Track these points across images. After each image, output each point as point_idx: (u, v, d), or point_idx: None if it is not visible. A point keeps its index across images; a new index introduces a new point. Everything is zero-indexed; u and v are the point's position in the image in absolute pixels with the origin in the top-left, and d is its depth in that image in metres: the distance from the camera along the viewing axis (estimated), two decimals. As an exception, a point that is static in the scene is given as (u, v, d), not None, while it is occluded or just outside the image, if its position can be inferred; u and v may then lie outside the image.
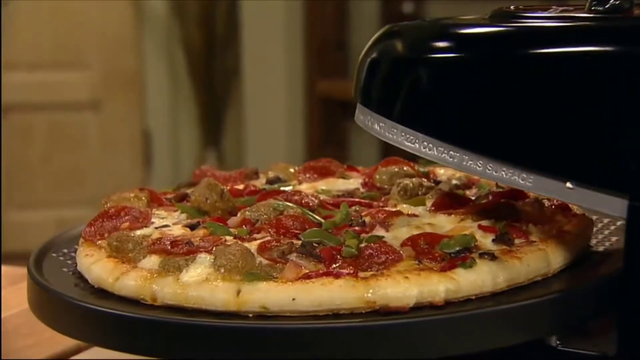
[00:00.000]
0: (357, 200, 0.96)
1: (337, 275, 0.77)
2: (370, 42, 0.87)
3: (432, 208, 0.91)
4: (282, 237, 0.84)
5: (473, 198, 0.94)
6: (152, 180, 3.89)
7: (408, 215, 0.89)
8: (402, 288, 0.76)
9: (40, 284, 0.85)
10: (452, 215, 0.88)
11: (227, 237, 0.84)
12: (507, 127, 0.79)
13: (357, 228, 0.86)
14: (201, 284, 0.78)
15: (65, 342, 1.03)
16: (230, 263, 0.78)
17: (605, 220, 0.95)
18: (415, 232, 0.84)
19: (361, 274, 0.77)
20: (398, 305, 0.75)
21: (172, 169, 3.93)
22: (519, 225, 0.86)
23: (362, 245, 0.81)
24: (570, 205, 0.90)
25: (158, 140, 3.94)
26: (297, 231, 0.85)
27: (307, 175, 1.05)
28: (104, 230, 0.89)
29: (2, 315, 1.11)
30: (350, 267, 0.78)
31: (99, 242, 0.87)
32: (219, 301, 0.76)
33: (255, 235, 0.84)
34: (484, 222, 0.86)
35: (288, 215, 0.87)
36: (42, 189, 3.85)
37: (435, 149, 0.82)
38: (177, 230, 0.87)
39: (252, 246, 0.81)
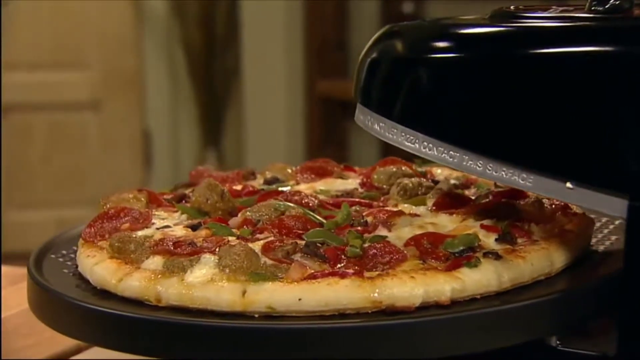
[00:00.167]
0: (357, 200, 0.96)
1: (343, 275, 0.77)
2: (370, 42, 0.87)
3: (433, 208, 0.91)
4: (284, 237, 0.84)
5: (473, 198, 0.95)
6: (152, 180, 3.89)
7: (410, 215, 0.89)
8: (408, 288, 0.76)
9: (40, 284, 0.84)
10: (454, 215, 0.88)
11: (230, 238, 0.84)
12: (507, 127, 0.79)
13: (359, 228, 0.86)
14: (206, 285, 0.77)
15: (65, 342, 1.03)
16: (235, 263, 0.78)
17: (604, 219, 0.96)
18: (418, 231, 0.84)
19: (367, 274, 0.77)
20: (404, 305, 0.75)
21: (172, 169, 3.93)
22: (520, 225, 0.86)
23: (366, 245, 0.81)
24: (569, 205, 0.90)
25: (158, 140, 3.95)
26: (300, 231, 0.85)
27: (305, 175, 1.05)
28: (104, 232, 0.89)
29: (2, 315, 1.11)
30: (356, 267, 0.78)
31: (100, 243, 0.87)
32: (225, 302, 0.76)
33: (258, 236, 0.84)
34: (486, 222, 0.86)
35: (290, 215, 0.87)
36: (42, 189, 3.85)
37: (435, 149, 0.82)
38: (179, 231, 0.87)
39: (256, 246, 0.81)
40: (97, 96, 3.86)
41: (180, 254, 0.81)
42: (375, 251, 0.80)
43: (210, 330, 0.74)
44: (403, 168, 1.02)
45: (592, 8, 0.81)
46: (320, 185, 1.02)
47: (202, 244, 0.82)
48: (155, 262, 0.81)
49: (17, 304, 1.12)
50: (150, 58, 3.92)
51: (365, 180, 1.02)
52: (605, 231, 0.94)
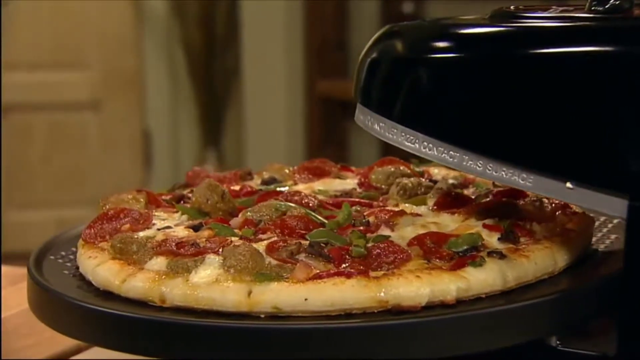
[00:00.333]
0: (357, 200, 0.96)
1: (349, 275, 0.77)
2: (370, 42, 0.87)
3: (435, 207, 0.91)
4: (287, 237, 0.84)
5: (473, 197, 0.95)
6: (152, 180, 3.89)
7: (411, 214, 0.89)
8: (414, 287, 0.76)
9: (40, 284, 0.84)
10: (456, 215, 0.88)
11: (233, 238, 0.84)
12: (507, 127, 0.79)
13: (361, 228, 0.86)
14: (212, 285, 0.77)
15: (65, 342, 1.03)
16: (240, 264, 0.78)
17: (602, 218, 0.96)
18: (421, 231, 0.84)
19: (372, 274, 0.77)
20: (410, 304, 0.76)
21: (172, 169, 3.93)
22: (522, 224, 0.86)
23: (369, 245, 0.81)
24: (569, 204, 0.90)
25: (158, 140, 3.95)
26: (302, 231, 0.85)
27: (303, 175, 1.05)
28: (105, 233, 0.89)
29: (2, 316, 1.11)
30: (361, 267, 0.78)
31: (101, 244, 0.87)
32: (230, 302, 0.76)
33: (260, 236, 0.84)
34: (488, 221, 0.86)
35: (292, 215, 0.87)
36: (42, 189, 3.85)
37: (435, 149, 0.82)
38: (181, 232, 0.87)
39: (259, 247, 0.81)
40: (97, 96, 3.86)
41: (184, 255, 0.81)
42: (379, 251, 0.80)
43: (217, 331, 0.74)
44: (401, 168, 1.02)
45: (592, 8, 0.81)
46: (319, 185, 1.02)
47: (206, 244, 0.82)
48: (158, 262, 0.81)
49: (17, 304, 1.12)
50: (150, 58, 3.92)
51: (363, 180, 1.02)
52: (604, 230, 0.94)
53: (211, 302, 0.77)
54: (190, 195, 0.98)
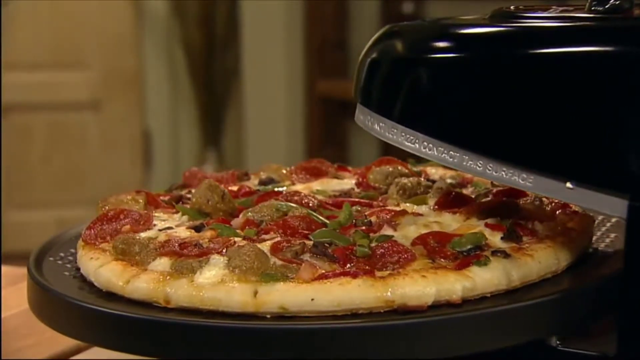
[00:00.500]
0: (357, 200, 0.96)
1: (355, 275, 0.77)
2: (370, 42, 0.87)
3: (436, 207, 0.91)
4: (290, 237, 0.84)
5: (473, 197, 0.95)
6: (152, 180, 3.89)
7: (413, 214, 0.89)
8: (420, 287, 0.76)
9: (40, 284, 0.84)
10: (457, 214, 0.88)
11: (236, 239, 0.84)
12: (507, 127, 0.79)
13: (363, 228, 0.86)
14: (217, 286, 0.77)
15: (65, 342, 1.03)
16: (245, 264, 0.78)
17: (600, 217, 0.96)
18: (423, 230, 0.84)
19: (378, 274, 0.77)
20: (416, 304, 0.76)
21: (172, 169, 3.93)
22: (524, 223, 0.86)
23: (373, 244, 0.81)
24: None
25: (158, 140, 3.95)
26: (304, 232, 0.85)
27: (300, 176, 1.05)
28: (105, 234, 0.89)
29: (2, 316, 1.11)
30: (366, 267, 0.78)
31: (102, 245, 0.87)
32: (236, 302, 0.76)
33: (263, 236, 0.84)
34: (490, 220, 0.86)
35: (294, 215, 0.87)
36: (42, 189, 3.85)
37: (435, 149, 0.82)
38: (183, 233, 0.87)
39: (263, 247, 0.81)
40: (97, 96, 3.86)
41: (188, 255, 0.80)
42: (383, 251, 0.80)
43: (225, 331, 0.74)
44: (399, 168, 1.02)
45: (592, 8, 0.81)
46: (317, 185, 1.02)
47: (209, 245, 0.82)
48: (162, 263, 0.81)
49: (17, 304, 1.12)
50: (150, 58, 3.92)
51: (361, 180, 1.02)
52: (603, 229, 0.95)
53: (217, 302, 0.77)
54: (188, 195, 0.98)
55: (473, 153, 0.80)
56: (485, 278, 0.78)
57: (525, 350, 0.78)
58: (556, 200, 0.90)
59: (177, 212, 0.94)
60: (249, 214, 0.89)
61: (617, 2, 0.80)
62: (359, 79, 0.87)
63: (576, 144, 0.77)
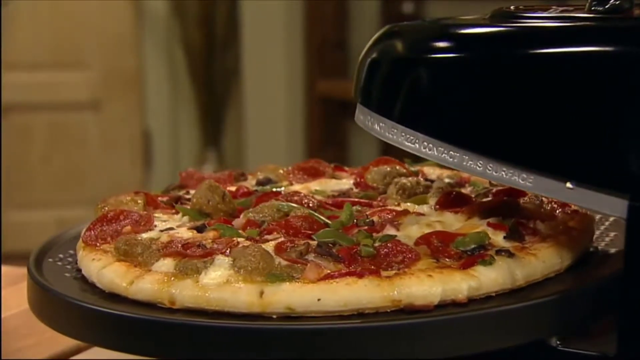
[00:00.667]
0: (356, 200, 0.96)
1: (361, 275, 0.77)
2: (370, 42, 0.87)
3: (437, 206, 0.91)
4: (294, 237, 0.83)
5: (473, 196, 0.95)
6: (151, 180, 3.89)
7: (415, 214, 0.89)
8: (426, 286, 0.76)
9: (40, 284, 0.84)
10: (459, 214, 0.89)
11: (240, 239, 0.84)
12: (507, 127, 0.79)
13: (366, 228, 0.86)
14: (223, 286, 0.77)
15: (65, 342, 1.03)
16: (250, 264, 0.78)
17: (598, 216, 0.96)
18: (426, 230, 0.85)
19: (384, 273, 0.78)
20: (423, 303, 0.76)
21: (172, 169, 3.93)
22: (526, 222, 0.86)
23: (377, 244, 0.81)
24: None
25: (158, 140, 3.95)
26: (307, 232, 0.85)
27: (298, 176, 1.05)
28: (106, 235, 0.88)
29: (2, 316, 1.11)
30: (372, 267, 0.78)
31: (103, 246, 0.87)
32: (242, 303, 0.76)
33: (266, 237, 0.84)
34: (492, 220, 0.86)
35: (296, 216, 0.87)
36: (42, 189, 3.85)
37: (435, 149, 0.82)
38: (185, 233, 0.87)
39: (267, 247, 0.81)
40: (97, 96, 3.86)
41: (192, 256, 0.80)
42: (387, 250, 0.80)
43: (233, 331, 0.74)
44: (397, 167, 1.02)
45: (592, 8, 0.81)
46: (315, 185, 1.02)
47: (212, 245, 0.82)
48: (166, 264, 0.81)
49: (17, 304, 1.12)
50: (150, 58, 3.92)
51: (359, 180, 1.02)
52: (602, 227, 0.95)
53: (223, 303, 0.77)
54: (186, 196, 0.98)
55: (473, 153, 0.80)
56: (490, 277, 0.78)
57: (525, 350, 0.78)
58: (555, 200, 0.90)
59: (177, 213, 0.93)
60: (250, 214, 0.89)
61: (617, 2, 0.80)
62: (359, 79, 0.87)
63: (576, 143, 0.77)
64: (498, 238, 0.84)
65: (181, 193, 1.00)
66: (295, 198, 0.93)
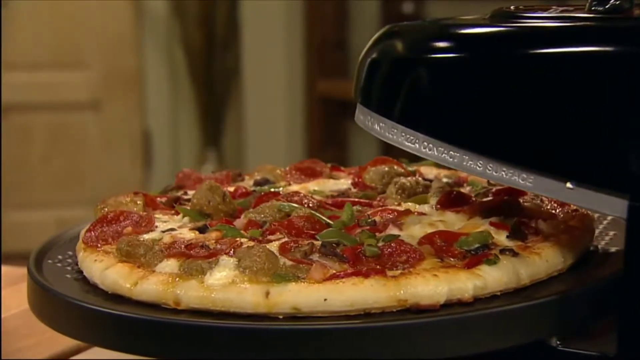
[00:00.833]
0: (357, 200, 0.96)
1: (367, 275, 0.77)
2: (370, 42, 0.87)
3: (438, 206, 0.91)
4: (297, 238, 0.83)
5: (473, 196, 0.95)
6: (152, 180, 3.89)
7: (417, 213, 0.89)
8: (432, 286, 0.76)
9: (40, 284, 0.84)
10: (460, 213, 0.89)
11: (243, 240, 0.83)
12: (507, 127, 0.79)
13: (367, 228, 0.86)
14: (228, 287, 0.77)
15: (65, 342, 1.03)
16: (256, 265, 0.78)
17: (596, 214, 0.96)
18: (429, 230, 0.85)
19: (389, 273, 0.78)
20: (429, 303, 0.76)
21: (172, 169, 3.93)
22: (527, 222, 0.86)
23: (380, 244, 0.81)
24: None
25: (158, 140, 3.94)
26: (310, 232, 0.85)
27: (295, 176, 1.05)
28: (107, 236, 0.88)
29: (2, 316, 1.11)
30: (377, 267, 0.78)
31: (104, 247, 0.87)
32: (248, 303, 0.76)
33: (269, 237, 0.84)
34: (494, 219, 0.87)
35: (298, 216, 0.87)
36: (42, 189, 3.85)
37: (435, 149, 0.82)
38: (187, 234, 0.87)
39: (271, 247, 0.81)
40: (97, 96, 3.86)
41: (196, 257, 0.80)
42: (391, 250, 0.80)
43: (240, 332, 0.74)
44: (395, 167, 1.02)
45: (592, 8, 0.81)
46: (313, 185, 1.02)
47: (216, 246, 0.82)
48: (170, 265, 0.81)
49: (16, 304, 1.12)
50: (150, 58, 3.92)
51: (357, 180, 1.02)
52: (601, 227, 0.95)
53: (228, 303, 0.77)
54: (185, 197, 0.98)
55: (473, 153, 0.80)
56: (495, 277, 0.79)
57: (525, 350, 0.78)
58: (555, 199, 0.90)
59: (176, 214, 0.93)
60: (251, 214, 0.89)
61: (617, 2, 0.80)
62: (359, 79, 0.87)
63: (576, 144, 0.77)
64: (501, 237, 0.84)
65: (179, 194, 1.00)
66: (295, 198, 0.93)
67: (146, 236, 0.86)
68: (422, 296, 0.76)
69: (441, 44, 0.83)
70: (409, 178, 0.98)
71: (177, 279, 0.79)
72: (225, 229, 0.86)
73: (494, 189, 0.96)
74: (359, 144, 3.53)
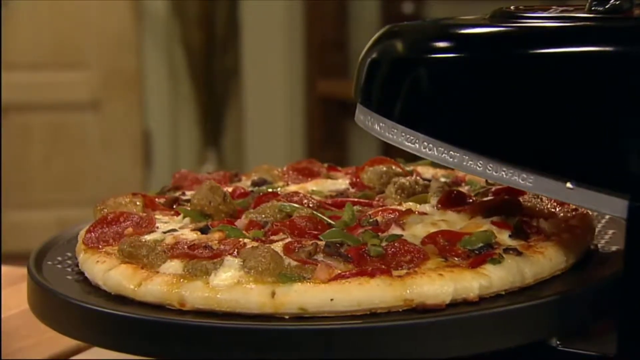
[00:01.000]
0: (356, 200, 0.96)
1: (372, 275, 0.77)
2: (370, 42, 0.87)
3: (439, 205, 0.91)
4: (300, 238, 0.83)
5: (473, 195, 0.95)
6: (151, 180, 3.89)
7: (418, 213, 0.89)
8: (438, 285, 0.76)
9: (40, 284, 0.84)
10: (462, 213, 0.89)
11: (246, 240, 0.83)
12: (507, 127, 0.79)
13: (369, 228, 0.86)
14: (234, 287, 0.77)
15: (65, 342, 1.03)
16: (261, 265, 0.78)
17: (594, 213, 0.96)
18: (432, 229, 0.85)
19: (395, 273, 0.78)
20: (435, 302, 0.76)
21: (172, 169, 3.93)
22: (529, 221, 0.86)
23: (384, 244, 0.81)
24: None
25: (158, 140, 3.95)
26: (312, 232, 0.85)
27: (293, 176, 1.05)
28: (107, 237, 0.88)
29: (2, 316, 1.11)
30: (382, 266, 0.78)
31: (105, 248, 0.87)
32: (254, 304, 0.76)
33: (272, 237, 0.84)
34: (496, 219, 0.87)
35: (300, 216, 0.87)
36: (42, 189, 3.85)
37: (435, 149, 0.82)
38: (189, 235, 0.87)
39: (274, 248, 0.81)
40: (97, 96, 3.86)
41: (201, 257, 0.80)
42: (394, 250, 0.80)
43: (247, 333, 0.74)
44: (393, 167, 1.02)
45: (592, 8, 0.81)
46: (312, 185, 1.02)
47: (219, 246, 0.82)
48: (173, 266, 0.81)
49: (16, 304, 1.12)
50: (150, 58, 3.92)
51: (355, 180, 1.02)
52: (599, 225, 0.95)
53: (234, 304, 0.76)
54: (183, 197, 0.98)
55: (473, 153, 0.80)
56: (500, 276, 0.79)
57: (525, 351, 0.78)
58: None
59: (176, 214, 0.93)
60: (252, 215, 0.89)
61: (617, 2, 0.80)
62: (359, 79, 0.87)
63: (576, 143, 0.77)
64: (503, 237, 0.84)
65: (177, 194, 1.00)
66: (295, 199, 0.93)
67: (148, 237, 0.86)
68: (428, 296, 0.76)
69: (441, 44, 0.83)
70: (408, 178, 0.98)
71: (181, 279, 0.79)
72: (228, 229, 0.86)
73: (493, 188, 0.96)
74: (359, 144, 3.53)
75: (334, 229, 0.86)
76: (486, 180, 0.97)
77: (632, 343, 0.76)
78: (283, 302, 0.76)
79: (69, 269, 0.89)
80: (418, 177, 1.00)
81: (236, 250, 0.81)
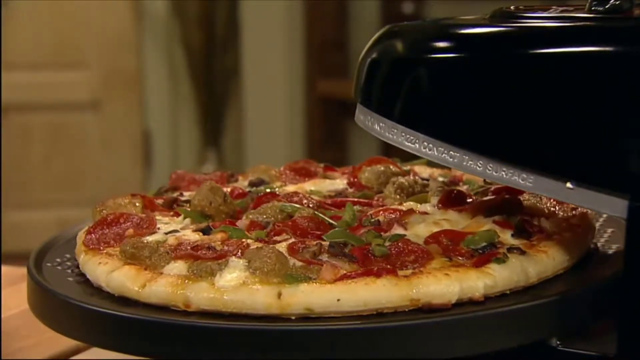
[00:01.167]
0: (356, 200, 0.95)
1: (378, 275, 0.77)
2: (370, 42, 0.87)
3: (440, 205, 0.91)
4: (303, 238, 0.83)
5: (472, 194, 0.95)
6: (152, 180, 3.89)
7: (419, 213, 0.89)
8: (443, 285, 0.77)
9: (40, 284, 0.84)
10: (463, 212, 0.89)
11: (249, 241, 0.83)
12: (507, 127, 0.79)
13: (372, 227, 0.86)
14: (239, 288, 0.77)
15: (65, 343, 1.03)
16: (266, 266, 0.78)
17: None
18: (434, 229, 0.85)
19: (400, 273, 0.78)
20: (441, 302, 0.76)
21: (172, 169, 3.92)
22: (530, 220, 0.87)
23: (387, 244, 0.81)
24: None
25: (158, 140, 3.94)
26: (314, 232, 0.85)
27: (290, 176, 1.05)
28: (108, 238, 0.88)
29: (2, 316, 1.11)
30: (388, 266, 0.78)
31: (106, 250, 0.86)
32: (260, 304, 0.76)
33: (275, 238, 0.84)
34: (497, 218, 0.87)
35: (302, 216, 0.87)
36: (42, 189, 3.85)
37: (435, 149, 0.82)
38: (191, 235, 0.86)
39: (279, 248, 0.81)
40: (97, 96, 3.86)
41: (205, 258, 0.80)
42: (398, 250, 0.80)
43: (254, 333, 0.74)
44: (391, 167, 1.02)
45: (592, 8, 0.81)
46: (310, 186, 1.02)
47: (223, 247, 0.82)
48: (177, 267, 0.81)
49: (16, 304, 1.12)
50: (150, 58, 3.92)
51: (353, 180, 1.02)
52: (598, 225, 0.95)
53: (240, 305, 0.76)
54: (182, 198, 0.98)
55: (473, 153, 0.80)
56: (505, 275, 0.79)
57: (525, 351, 0.78)
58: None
59: (176, 215, 0.93)
60: (252, 215, 0.89)
61: (617, 2, 0.80)
62: (359, 79, 0.87)
63: (576, 143, 0.77)
64: (506, 236, 0.84)
65: (175, 195, 1.00)
66: (295, 199, 0.93)
67: (149, 238, 0.86)
68: (434, 295, 0.76)
69: (441, 44, 0.83)
70: (407, 177, 0.98)
71: (186, 280, 0.78)
72: (230, 230, 0.86)
73: (492, 187, 0.96)
74: (359, 144, 3.53)
75: (337, 229, 0.86)
76: (484, 179, 0.97)
77: (632, 343, 0.76)
78: (289, 302, 0.76)
79: (69, 271, 0.89)
80: (416, 177, 1.00)
81: (240, 251, 0.80)
